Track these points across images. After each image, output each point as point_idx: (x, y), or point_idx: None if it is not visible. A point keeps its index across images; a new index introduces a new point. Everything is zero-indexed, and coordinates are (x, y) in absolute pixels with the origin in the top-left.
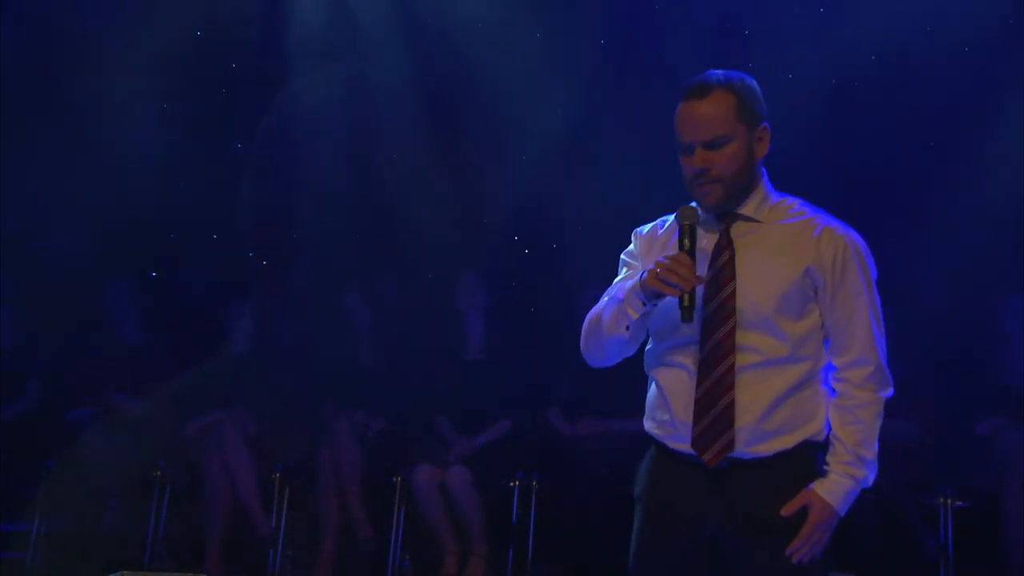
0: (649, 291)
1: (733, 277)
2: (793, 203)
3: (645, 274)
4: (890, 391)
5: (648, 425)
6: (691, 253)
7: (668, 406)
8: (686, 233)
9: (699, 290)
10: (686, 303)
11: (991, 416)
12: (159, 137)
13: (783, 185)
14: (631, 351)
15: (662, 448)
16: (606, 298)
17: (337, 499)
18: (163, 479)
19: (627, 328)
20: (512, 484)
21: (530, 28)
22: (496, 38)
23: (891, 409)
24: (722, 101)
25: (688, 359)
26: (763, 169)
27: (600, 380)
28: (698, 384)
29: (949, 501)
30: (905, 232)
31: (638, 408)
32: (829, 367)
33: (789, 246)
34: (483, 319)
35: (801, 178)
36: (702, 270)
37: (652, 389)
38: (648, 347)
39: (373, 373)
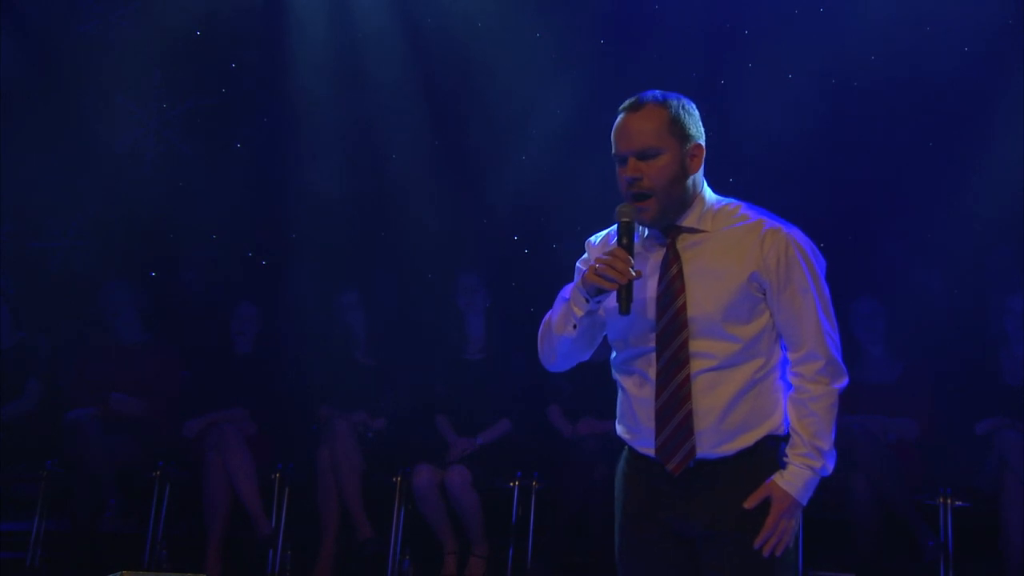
0: (589, 287)
1: (683, 290)
2: (737, 207)
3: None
4: (844, 381)
5: (618, 429)
6: (628, 248)
7: (633, 412)
8: (624, 230)
9: (647, 300)
10: (623, 296)
11: (990, 416)
12: (158, 137)
13: (782, 184)
14: (584, 355)
15: (631, 450)
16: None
17: (337, 499)
18: (163, 479)
19: (574, 327)
20: (512, 484)
21: (530, 28)
22: (496, 38)
23: (892, 409)
24: (654, 115)
25: (648, 367)
26: (703, 180)
27: (600, 380)
28: (657, 395)
29: (949, 501)
30: (905, 232)
31: None
32: (785, 361)
33: (734, 252)
34: (483, 319)
35: (800, 178)
36: (653, 284)
37: (620, 394)
38: (613, 351)
39: (373, 373)
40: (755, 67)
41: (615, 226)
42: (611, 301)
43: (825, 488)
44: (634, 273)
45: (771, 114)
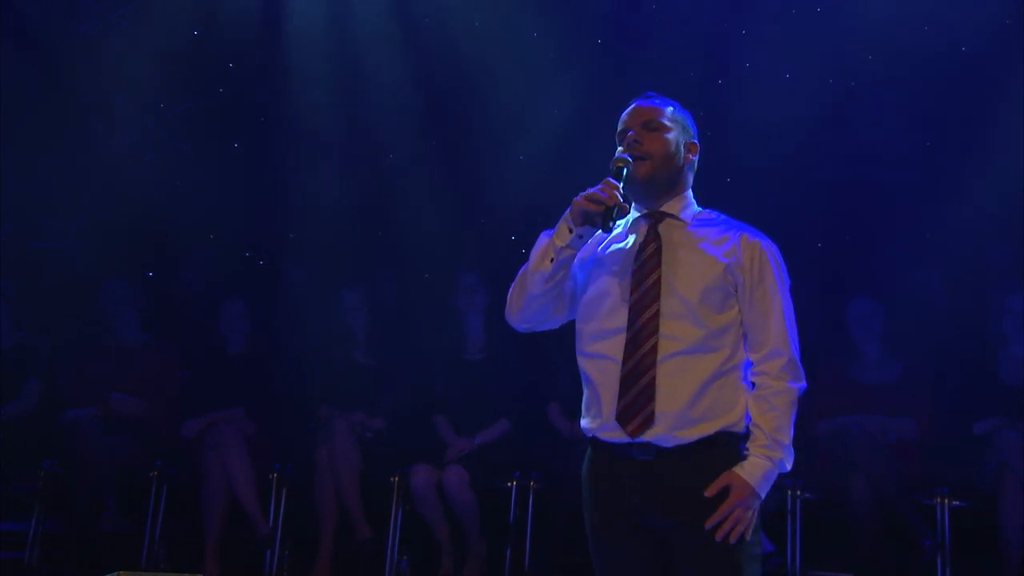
0: (576, 214)
1: (658, 266)
2: (714, 215)
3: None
4: (803, 384)
5: (584, 423)
6: (619, 182)
7: (597, 396)
8: (616, 170)
9: (628, 280)
10: (607, 216)
11: (989, 416)
12: (158, 137)
13: (779, 184)
14: (550, 315)
15: (596, 443)
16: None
17: (335, 499)
18: (161, 479)
19: (551, 261)
20: (510, 484)
21: (527, 28)
22: (494, 38)
23: (891, 409)
24: (664, 107)
25: (614, 349)
26: (690, 181)
27: None
28: (623, 363)
29: (947, 501)
30: (904, 233)
31: None
32: (747, 364)
33: (712, 246)
34: (482, 319)
35: (798, 178)
36: (630, 261)
37: (585, 387)
38: (578, 344)
39: (372, 373)
40: (753, 67)
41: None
42: (591, 275)
43: (824, 488)
44: (619, 200)
45: (769, 114)
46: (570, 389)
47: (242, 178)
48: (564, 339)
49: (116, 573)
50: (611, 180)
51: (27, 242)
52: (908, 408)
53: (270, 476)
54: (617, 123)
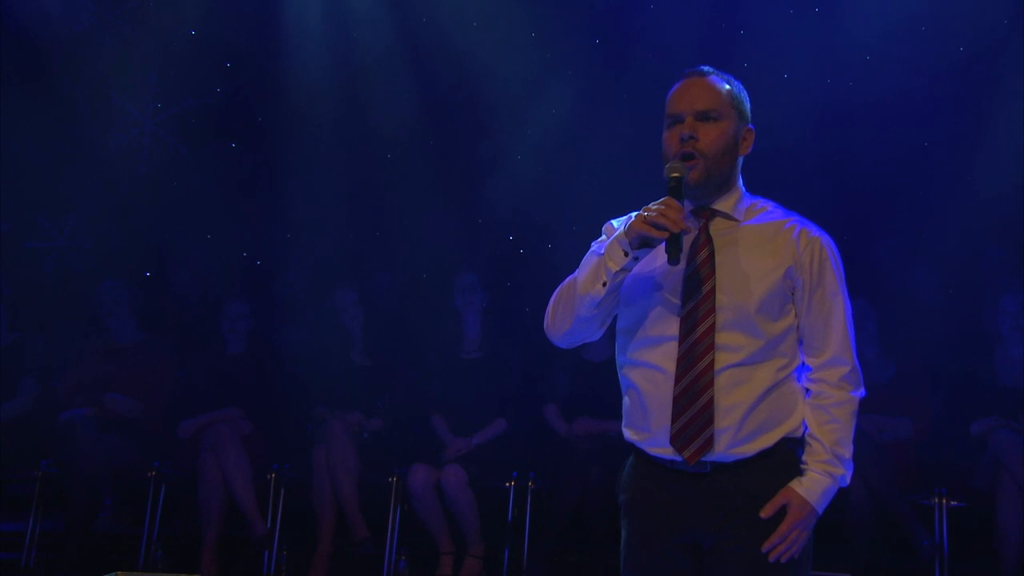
0: (635, 236)
1: (713, 273)
2: (767, 205)
3: (631, 218)
4: (863, 392)
5: (627, 433)
6: (678, 199)
7: (645, 409)
8: (673, 184)
9: (678, 285)
10: (672, 246)
11: (985, 416)
12: (154, 137)
13: (777, 184)
14: (594, 333)
15: (640, 454)
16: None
17: (332, 499)
18: (158, 479)
19: (604, 285)
20: (508, 484)
21: (525, 29)
22: (492, 38)
23: (887, 409)
24: (720, 85)
25: (664, 359)
26: (740, 169)
27: (596, 380)
28: (676, 381)
29: (944, 501)
30: (900, 232)
31: None
32: (802, 367)
33: (768, 246)
34: (479, 319)
35: (796, 178)
36: (680, 266)
37: (627, 394)
38: (621, 349)
39: (369, 373)
40: (751, 67)
41: (634, 214)
42: (636, 276)
43: None
44: (686, 225)
45: (767, 114)
46: (566, 391)
47: (238, 178)
48: None
49: (113, 574)
50: (673, 201)
51: (23, 242)
52: (904, 408)
53: (268, 476)
54: (665, 106)
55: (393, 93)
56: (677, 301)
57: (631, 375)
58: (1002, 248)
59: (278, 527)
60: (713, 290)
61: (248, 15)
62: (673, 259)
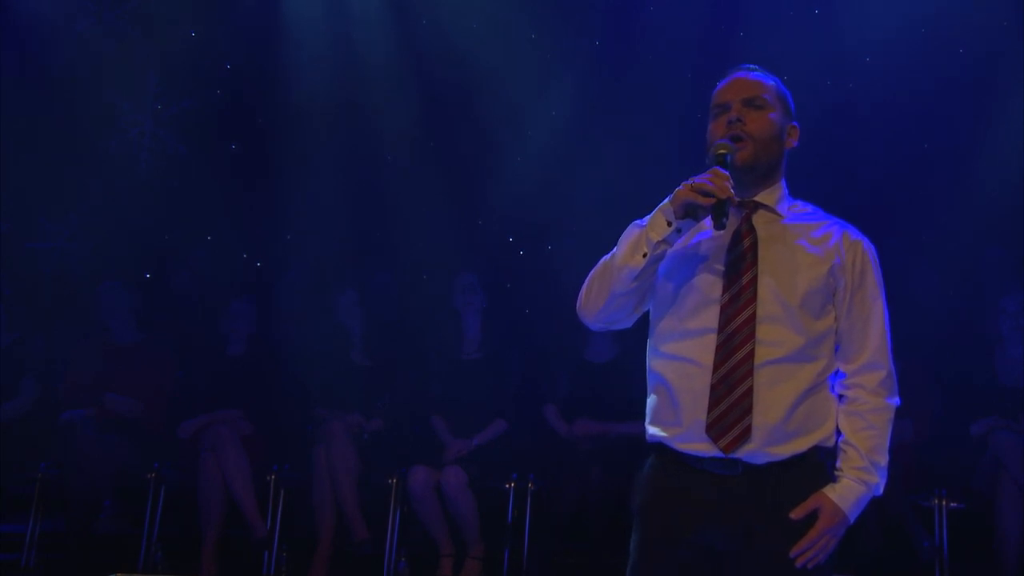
0: (680, 204)
1: (755, 263)
2: (808, 207)
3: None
4: (898, 400)
5: (652, 430)
6: (727, 171)
7: (676, 404)
8: (720, 160)
9: (719, 275)
10: (718, 212)
11: (985, 417)
12: (153, 137)
13: None
14: (630, 313)
15: (665, 452)
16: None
17: (332, 500)
18: (158, 480)
19: (644, 256)
20: (508, 485)
21: (525, 29)
22: (491, 39)
23: None
24: (766, 79)
25: (700, 352)
26: (785, 169)
27: (596, 380)
28: (714, 371)
29: (944, 502)
30: (900, 233)
31: (634, 410)
32: (836, 374)
33: (812, 244)
34: (479, 319)
35: (794, 178)
36: (721, 256)
37: (656, 391)
38: (654, 345)
39: (369, 374)
40: None
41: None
42: (675, 266)
43: None
44: (733, 194)
45: None
46: (566, 392)
47: (239, 179)
48: (562, 340)
49: (113, 575)
50: (721, 170)
51: (23, 242)
52: (904, 409)
53: (267, 477)
54: (712, 97)
55: (393, 94)
56: (717, 292)
57: (663, 370)
58: (1002, 248)
59: (278, 528)
60: (755, 280)
61: (248, 16)
62: (718, 224)
